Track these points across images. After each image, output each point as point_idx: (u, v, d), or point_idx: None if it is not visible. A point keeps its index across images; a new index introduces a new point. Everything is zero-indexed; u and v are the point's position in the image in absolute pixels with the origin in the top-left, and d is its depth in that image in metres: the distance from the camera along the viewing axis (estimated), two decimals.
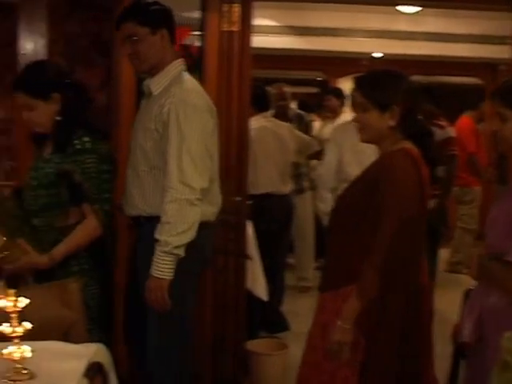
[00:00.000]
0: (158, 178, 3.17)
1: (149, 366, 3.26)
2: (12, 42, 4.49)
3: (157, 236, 3.07)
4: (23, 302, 2.33)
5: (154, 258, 3.07)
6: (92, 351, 2.57)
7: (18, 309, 2.31)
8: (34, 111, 3.14)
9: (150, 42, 3.17)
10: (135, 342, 3.39)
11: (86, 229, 3.13)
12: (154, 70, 3.23)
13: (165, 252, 3.05)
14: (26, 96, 3.12)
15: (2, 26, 4.64)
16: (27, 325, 2.34)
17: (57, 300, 2.90)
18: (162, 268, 3.07)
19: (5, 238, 2.95)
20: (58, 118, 3.15)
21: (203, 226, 3.17)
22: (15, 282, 2.58)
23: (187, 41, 4.59)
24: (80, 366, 2.40)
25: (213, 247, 3.43)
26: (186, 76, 3.27)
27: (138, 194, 3.24)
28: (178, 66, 3.27)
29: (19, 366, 2.31)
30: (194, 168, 3.08)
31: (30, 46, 4.46)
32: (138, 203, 3.25)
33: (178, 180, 3.06)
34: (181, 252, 3.08)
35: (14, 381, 2.29)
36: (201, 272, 3.43)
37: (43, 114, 3.15)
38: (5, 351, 2.31)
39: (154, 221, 3.12)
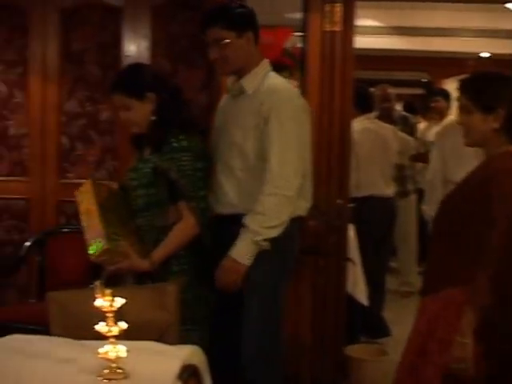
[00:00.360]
0: (256, 176, 3.17)
1: (246, 366, 3.24)
2: (117, 44, 4.65)
3: (247, 222, 3.09)
4: (119, 301, 2.36)
5: (238, 242, 3.10)
6: (187, 353, 2.56)
7: (113, 309, 2.33)
8: (130, 111, 3.20)
9: (237, 45, 3.19)
10: (226, 342, 3.38)
11: (184, 228, 3.15)
12: (241, 72, 3.25)
13: (254, 241, 3.08)
14: (123, 96, 3.19)
15: (107, 28, 4.71)
16: (123, 325, 2.35)
17: (154, 302, 2.92)
18: (245, 253, 3.10)
19: (106, 246, 2.99)
20: (153, 118, 3.20)
21: (296, 220, 3.21)
22: (113, 282, 2.60)
23: (289, 42, 4.57)
24: (174, 367, 2.38)
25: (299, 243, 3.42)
26: (275, 75, 3.31)
27: (234, 192, 3.24)
28: (266, 66, 3.30)
29: (114, 365, 2.32)
30: (293, 165, 3.12)
31: (134, 47, 4.58)
32: (233, 201, 3.24)
33: (278, 175, 3.08)
34: (266, 245, 3.09)
35: (109, 380, 2.30)
36: (293, 269, 3.41)
37: (139, 113, 3.20)
38: (100, 350, 2.33)
39: None
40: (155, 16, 4.58)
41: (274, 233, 3.09)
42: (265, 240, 3.08)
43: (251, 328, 3.22)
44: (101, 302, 2.34)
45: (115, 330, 2.33)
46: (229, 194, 3.24)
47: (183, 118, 3.24)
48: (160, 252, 3.12)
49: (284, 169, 3.09)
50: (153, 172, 3.15)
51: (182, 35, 4.51)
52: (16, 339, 2.76)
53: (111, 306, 2.33)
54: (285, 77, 3.46)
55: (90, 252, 3.03)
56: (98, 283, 2.41)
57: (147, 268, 3.11)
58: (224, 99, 3.45)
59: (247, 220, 3.09)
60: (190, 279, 3.18)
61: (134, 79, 3.23)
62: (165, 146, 3.14)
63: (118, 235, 3.10)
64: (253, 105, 3.18)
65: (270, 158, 3.10)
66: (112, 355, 2.31)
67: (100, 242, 3.00)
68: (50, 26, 4.75)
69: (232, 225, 3.22)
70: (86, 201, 3.13)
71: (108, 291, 2.37)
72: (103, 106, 4.70)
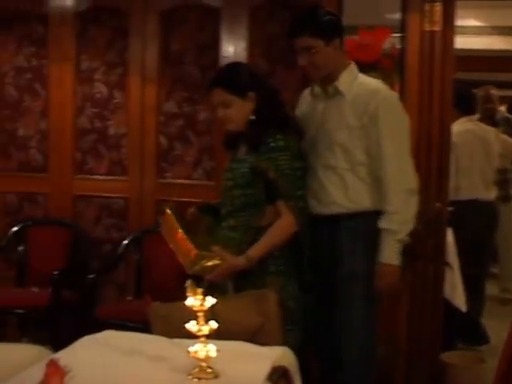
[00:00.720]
0: (361, 175, 3.24)
1: (348, 367, 3.25)
2: (215, 45, 4.71)
3: (385, 225, 3.18)
4: (210, 301, 2.37)
5: (383, 246, 3.18)
6: (278, 354, 2.57)
7: (204, 308, 2.36)
8: (229, 108, 3.21)
9: (325, 52, 3.23)
10: (323, 344, 3.39)
11: (282, 227, 3.15)
12: (330, 76, 3.29)
13: (397, 240, 3.18)
14: (225, 92, 3.20)
15: (205, 29, 4.77)
16: (213, 324, 2.37)
17: (253, 310, 2.94)
18: (393, 255, 3.19)
19: (196, 251, 2.99)
20: (252, 117, 3.21)
21: None
22: (212, 290, 2.62)
23: (388, 43, 4.53)
24: (264, 368, 2.39)
25: None
26: (364, 76, 3.38)
27: (338, 191, 3.27)
28: (355, 68, 3.35)
29: (204, 364, 2.34)
30: (408, 158, 3.24)
31: (232, 48, 4.63)
32: (338, 201, 3.27)
33: (399, 171, 3.18)
34: (407, 239, 3.22)
35: (199, 379, 2.32)
36: None
37: (239, 111, 3.21)
38: (191, 349, 2.36)
39: (357, 217, 3.24)
40: (253, 16, 4.63)
41: (411, 226, 3.22)
42: (407, 235, 3.21)
43: (353, 328, 3.26)
44: (192, 301, 2.37)
45: (205, 330, 2.35)
46: (333, 193, 3.26)
47: (280, 118, 3.25)
48: (257, 248, 3.12)
49: (402, 164, 3.20)
50: (250, 172, 3.17)
51: (280, 35, 4.50)
52: (111, 335, 2.85)
53: (202, 305, 2.35)
54: (374, 77, 3.46)
55: (189, 271, 3.02)
56: (189, 282, 2.44)
57: (244, 265, 3.10)
58: (306, 102, 3.47)
59: (384, 223, 3.18)
60: (288, 279, 3.17)
61: (236, 77, 3.26)
62: (262, 146, 3.16)
63: (208, 248, 3.10)
64: (355, 106, 3.23)
65: (384, 156, 3.18)
66: (202, 354, 2.34)
67: (193, 257, 3.00)
68: (150, 27, 4.86)
69: (332, 224, 3.27)
70: (170, 227, 3.14)
71: (199, 290, 2.39)
72: (201, 107, 4.76)
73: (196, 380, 2.32)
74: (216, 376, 2.34)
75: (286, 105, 3.34)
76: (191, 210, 3.34)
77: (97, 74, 5.01)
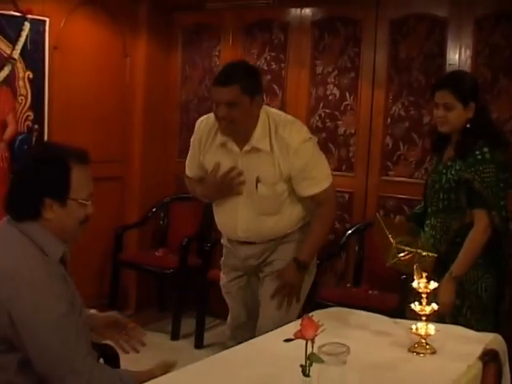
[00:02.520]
0: None
1: None
2: (441, 53, 4.83)
3: None
4: (433, 284, 2.68)
5: None
6: (490, 339, 2.80)
7: (427, 290, 2.66)
8: (450, 111, 3.34)
9: None
10: None
11: (476, 235, 3.28)
12: None
13: None
14: (451, 95, 3.33)
15: (432, 38, 4.89)
16: (434, 306, 2.67)
17: None
18: None
19: (394, 245, 3.09)
20: (468, 126, 3.36)
21: None
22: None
23: None
24: (477, 350, 2.63)
25: None
26: None
27: None
28: None
29: (423, 341, 2.66)
30: None
31: (456, 56, 4.72)
32: None
33: None
34: None
35: (418, 353, 2.64)
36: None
37: (458, 116, 3.34)
38: (413, 327, 2.68)
39: None
40: (478, 27, 4.68)
41: None
42: None
43: None
44: (416, 284, 2.69)
45: (428, 310, 2.66)
46: None
47: (491, 131, 3.40)
48: (460, 267, 3.26)
49: None
50: (455, 180, 3.33)
51: (505, 46, 4.58)
52: (339, 311, 3.21)
53: (426, 287, 2.66)
54: None
55: (388, 263, 3.16)
56: (415, 266, 2.74)
57: (451, 284, 3.24)
58: None
59: None
60: (484, 273, 3.34)
61: (465, 84, 3.40)
62: (469, 158, 3.30)
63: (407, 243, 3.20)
64: None
65: None
66: (422, 332, 2.65)
67: (392, 250, 3.11)
68: (380, 35, 5.05)
69: None
70: (379, 228, 3.27)
71: (424, 273, 2.69)
72: (425, 111, 4.86)
73: (415, 354, 2.63)
74: (433, 352, 2.63)
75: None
76: (399, 217, 3.55)
77: (330, 78, 5.26)
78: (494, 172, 3.29)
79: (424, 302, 2.67)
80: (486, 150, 3.30)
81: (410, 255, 3.06)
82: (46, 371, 2.26)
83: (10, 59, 4.96)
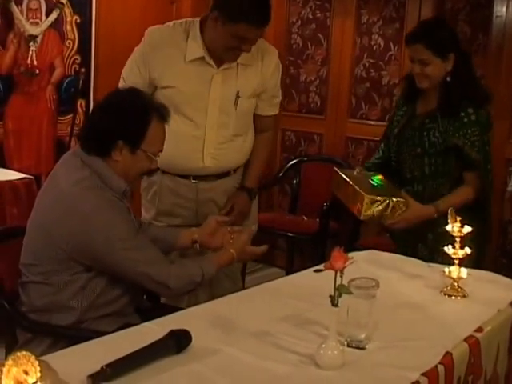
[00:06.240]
0: None
1: None
2: (488, 5, 4.75)
3: None
4: (467, 229, 2.68)
5: None
6: None
7: (461, 234, 2.67)
8: (427, 66, 3.15)
9: None
10: None
11: (464, 193, 3.22)
12: None
13: None
14: (426, 50, 3.13)
15: None
16: (467, 250, 2.68)
17: None
18: None
19: (366, 197, 3.02)
20: (449, 79, 3.17)
21: None
22: None
23: None
24: (509, 296, 2.65)
25: None
26: None
27: None
28: None
29: (455, 284, 2.68)
30: None
31: (504, 9, 4.66)
32: None
33: None
34: None
35: (449, 295, 2.67)
36: None
37: (437, 71, 3.16)
38: (446, 270, 2.70)
39: None
40: None
41: None
42: None
43: None
44: (450, 228, 2.70)
45: (461, 253, 2.67)
46: None
47: (474, 87, 3.21)
48: (447, 203, 3.09)
49: None
50: (442, 144, 3.20)
51: None
52: (373, 253, 3.21)
53: (459, 231, 2.68)
54: None
55: (361, 217, 3.08)
56: (450, 210, 2.74)
57: (432, 215, 3.18)
58: None
59: None
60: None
61: (439, 35, 3.16)
62: (454, 121, 3.18)
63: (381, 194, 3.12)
64: None
65: None
66: (455, 275, 2.67)
67: (364, 203, 3.03)
68: None
69: None
70: (339, 183, 3.24)
71: (458, 218, 2.69)
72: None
73: (447, 296, 2.66)
74: (464, 295, 2.65)
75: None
76: (357, 169, 3.37)
77: (375, 28, 5.24)
78: (479, 135, 3.18)
79: (457, 245, 2.69)
80: (470, 110, 3.17)
81: (385, 204, 3.03)
82: (135, 280, 2.51)
83: (57, 3, 5.03)
